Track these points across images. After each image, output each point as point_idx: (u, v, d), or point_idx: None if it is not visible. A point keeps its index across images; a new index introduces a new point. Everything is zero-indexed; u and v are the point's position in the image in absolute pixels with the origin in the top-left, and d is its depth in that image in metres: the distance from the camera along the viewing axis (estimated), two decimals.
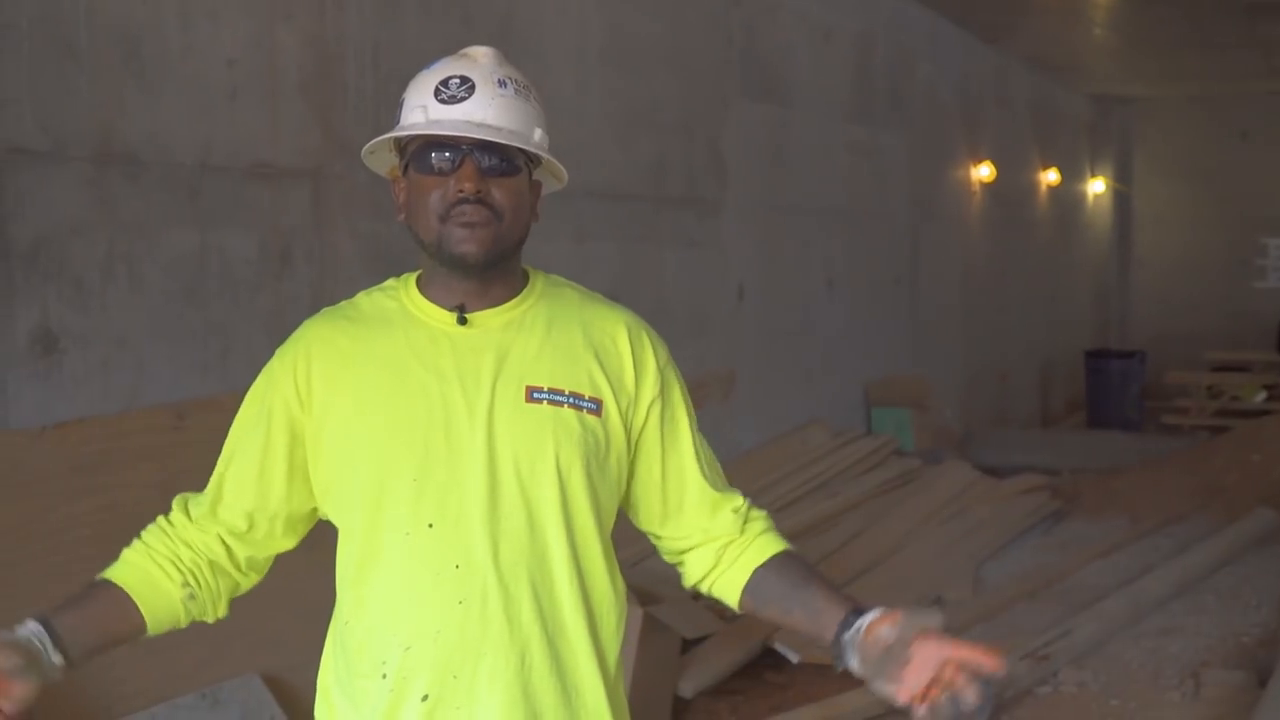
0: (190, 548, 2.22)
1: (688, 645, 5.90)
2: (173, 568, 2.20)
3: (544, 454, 2.15)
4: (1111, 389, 15.44)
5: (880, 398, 10.68)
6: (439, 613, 2.12)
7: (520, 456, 2.14)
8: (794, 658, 6.31)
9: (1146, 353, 15.96)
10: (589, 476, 2.18)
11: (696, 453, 2.32)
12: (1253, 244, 18.41)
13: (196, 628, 4.15)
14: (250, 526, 2.23)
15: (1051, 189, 16.13)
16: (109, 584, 2.18)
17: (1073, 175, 17.31)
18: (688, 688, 5.77)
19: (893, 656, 2.02)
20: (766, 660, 6.33)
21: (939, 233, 12.34)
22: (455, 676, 2.13)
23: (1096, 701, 5.94)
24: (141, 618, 2.18)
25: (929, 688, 1.98)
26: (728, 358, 8.36)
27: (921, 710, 1.99)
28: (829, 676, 6.22)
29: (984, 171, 13.32)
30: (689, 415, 2.33)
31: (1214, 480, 10.14)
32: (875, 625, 2.06)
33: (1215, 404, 15.56)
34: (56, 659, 2.03)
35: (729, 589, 2.29)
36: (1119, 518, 9.52)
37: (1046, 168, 15.89)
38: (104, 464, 4.00)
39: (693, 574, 2.33)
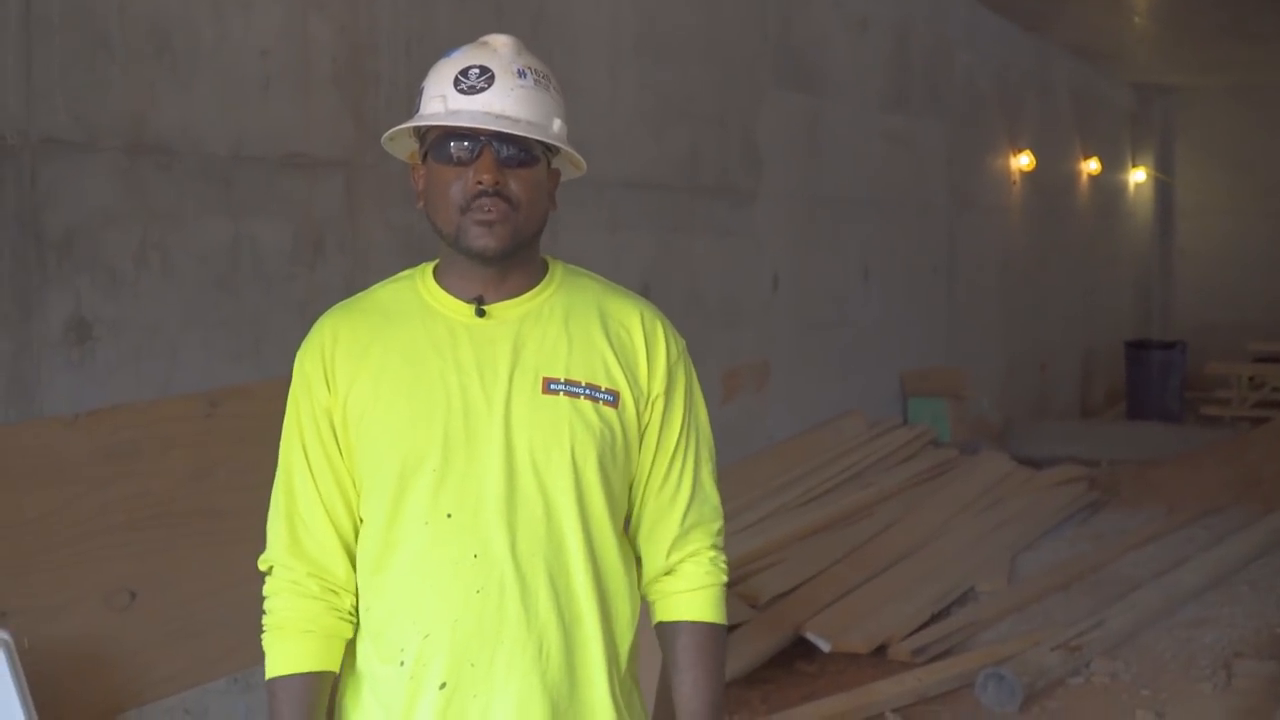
0: (338, 593, 2.24)
1: None
2: (347, 625, 2.25)
3: (560, 445, 2.16)
4: (1152, 380, 15.33)
5: (917, 388, 10.65)
6: (457, 602, 2.14)
7: (536, 447, 2.16)
8: (825, 646, 6.32)
9: (1187, 343, 15.84)
10: (603, 468, 2.20)
11: (669, 470, 2.30)
12: None
13: (223, 613, 4.19)
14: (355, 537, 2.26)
15: (1092, 178, 16.05)
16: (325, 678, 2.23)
17: (1114, 164, 17.21)
18: None
19: None
20: (798, 649, 6.35)
21: (977, 222, 12.30)
22: (473, 665, 2.15)
23: (1128, 692, 5.93)
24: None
25: None
26: (762, 348, 8.36)
27: None
28: (860, 665, 6.24)
29: (1024, 160, 13.27)
30: (682, 425, 2.30)
31: (1252, 472, 10.09)
32: None
33: (1256, 395, 15.45)
34: None
35: (652, 616, 2.35)
36: (1156, 509, 9.49)
37: (1088, 157, 15.81)
38: (136, 451, 4.03)
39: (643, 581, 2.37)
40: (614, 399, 2.21)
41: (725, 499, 2.40)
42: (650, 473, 2.30)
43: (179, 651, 4.08)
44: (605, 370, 2.22)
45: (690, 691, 2.26)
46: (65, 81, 3.86)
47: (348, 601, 2.23)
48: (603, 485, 2.20)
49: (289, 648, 2.21)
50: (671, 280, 7.16)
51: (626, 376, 2.23)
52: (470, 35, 2.30)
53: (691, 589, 2.31)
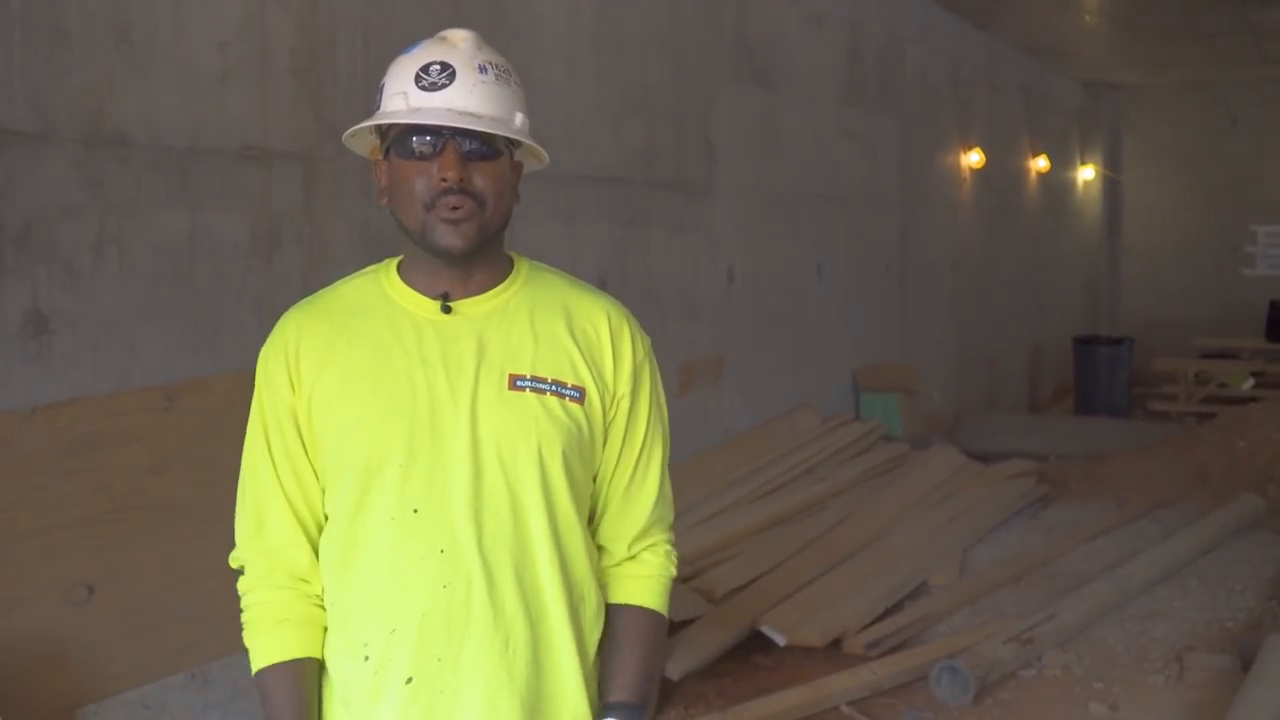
0: (309, 580, 2.24)
1: (674, 628, 5.92)
2: (321, 611, 2.25)
3: (526, 441, 2.17)
4: (1099, 375, 15.46)
5: (869, 383, 10.70)
6: (424, 596, 2.14)
7: (503, 443, 2.16)
8: (781, 640, 6.34)
9: (1134, 339, 15.99)
10: (569, 463, 2.20)
11: (636, 466, 2.32)
12: (1242, 231, 18.47)
13: (183, 606, 4.17)
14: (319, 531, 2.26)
15: (1041, 175, 16.15)
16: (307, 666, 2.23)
17: (1063, 162, 17.33)
18: (675, 670, 5.80)
19: None
20: (754, 643, 6.36)
21: (929, 218, 12.36)
22: (439, 659, 2.15)
23: (1080, 684, 5.98)
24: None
25: None
26: (717, 342, 8.38)
27: None
28: (816, 658, 6.26)
29: (974, 158, 13.34)
30: (648, 423, 2.32)
31: (1200, 466, 10.19)
32: None
33: (1202, 390, 15.59)
34: None
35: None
36: (1106, 503, 9.57)
37: (1036, 154, 15.91)
38: (94, 445, 4.01)
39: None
40: (580, 395, 2.22)
41: (679, 493, 2.43)
42: (616, 468, 2.31)
43: (138, 646, 4.06)
44: (571, 367, 2.23)
45: (628, 663, 2.28)
46: (24, 72, 3.83)
47: (317, 588, 2.23)
48: (568, 481, 2.21)
49: (270, 639, 2.21)
50: (628, 274, 7.17)
51: (592, 373, 2.24)
52: (429, 29, 2.30)
53: (648, 575, 2.34)
